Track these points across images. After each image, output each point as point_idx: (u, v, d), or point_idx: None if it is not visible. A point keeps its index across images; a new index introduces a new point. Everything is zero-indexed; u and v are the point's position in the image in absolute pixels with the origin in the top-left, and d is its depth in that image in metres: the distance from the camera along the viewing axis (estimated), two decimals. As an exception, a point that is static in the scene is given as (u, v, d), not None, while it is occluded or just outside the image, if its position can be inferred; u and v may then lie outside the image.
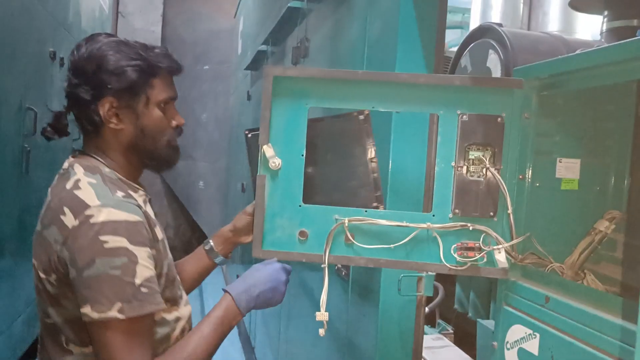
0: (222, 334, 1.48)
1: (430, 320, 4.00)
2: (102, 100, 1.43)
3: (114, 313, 1.26)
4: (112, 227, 1.29)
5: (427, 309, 2.07)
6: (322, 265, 1.60)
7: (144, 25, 9.01)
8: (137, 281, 1.30)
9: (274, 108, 1.63)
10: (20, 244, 3.93)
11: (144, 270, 1.31)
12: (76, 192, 1.35)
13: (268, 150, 1.62)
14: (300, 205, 1.64)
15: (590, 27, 5.59)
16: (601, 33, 3.45)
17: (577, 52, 1.62)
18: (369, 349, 2.07)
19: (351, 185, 1.70)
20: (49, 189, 1.46)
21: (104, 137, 1.47)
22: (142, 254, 1.32)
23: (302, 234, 1.64)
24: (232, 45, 8.36)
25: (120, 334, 1.29)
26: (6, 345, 3.72)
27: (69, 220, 1.31)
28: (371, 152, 1.69)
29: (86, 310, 1.27)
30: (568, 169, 1.64)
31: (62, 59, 4.68)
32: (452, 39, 6.64)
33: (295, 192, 1.64)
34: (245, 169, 5.68)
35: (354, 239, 1.60)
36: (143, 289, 1.30)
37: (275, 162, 1.62)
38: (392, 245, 1.60)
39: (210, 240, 1.81)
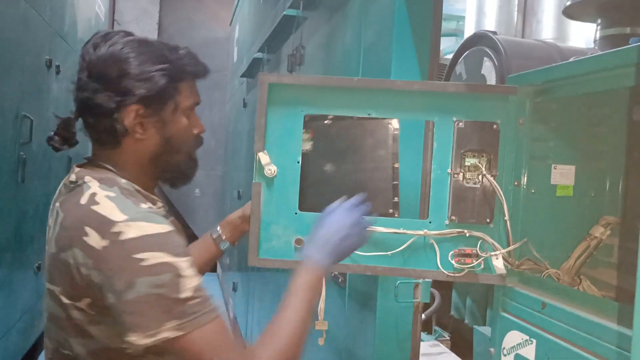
0: (312, 300, 1.34)
1: (427, 327, 4.00)
2: (127, 109, 1.29)
3: (166, 334, 1.14)
4: (146, 242, 1.16)
5: (423, 316, 2.07)
6: (319, 273, 1.59)
7: (139, 33, 8.96)
8: (187, 294, 1.16)
9: (269, 115, 1.63)
10: (16, 252, 3.92)
11: (190, 280, 1.17)
12: (95, 207, 1.20)
13: (264, 157, 1.62)
14: (296, 213, 1.64)
15: (583, 35, 5.63)
16: (595, 41, 3.47)
17: (571, 59, 1.63)
18: (366, 356, 2.06)
19: (368, 189, 1.64)
20: (57, 205, 1.30)
21: (122, 147, 1.33)
22: (184, 264, 1.18)
23: (298, 241, 1.64)
24: (228, 53, 8.37)
25: (192, 349, 1.16)
26: (1, 354, 3.70)
27: (95, 240, 1.16)
28: (395, 158, 1.67)
29: (134, 337, 1.14)
30: (563, 175, 1.64)
31: (58, 66, 4.69)
32: (447, 47, 6.67)
33: (291, 200, 1.64)
34: (242, 176, 5.67)
35: (350, 246, 1.59)
36: (194, 301, 1.17)
37: (271, 169, 1.62)
38: (389, 253, 1.60)
39: (218, 227, 1.74)
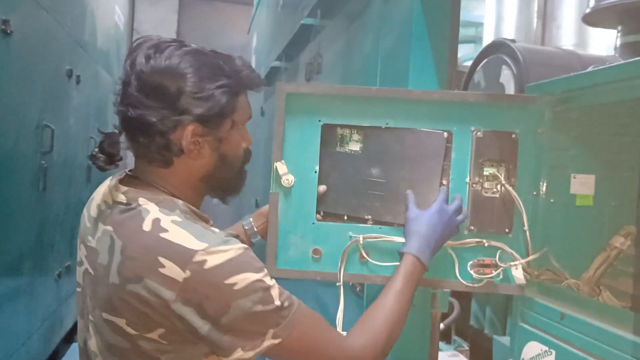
0: (413, 289, 1.43)
1: (446, 337, 3.97)
2: (184, 128, 1.20)
3: (268, 342, 1.16)
4: (232, 267, 1.13)
5: (442, 325, 2.06)
6: (337, 284, 1.59)
7: (158, 42, 9.11)
8: (277, 303, 1.16)
9: (287, 125, 1.63)
10: (36, 259, 3.96)
11: (275, 289, 1.17)
12: (165, 235, 1.14)
13: (281, 167, 1.62)
14: (313, 223, 1.64)
15: (604, 42, 5.58)
16: (615, 48, 3.45)
17: (590, 68, 1.62)
18: (384, 366, 2.05)
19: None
20: (109, 228, 1.20)
21: (174, 166, 1.25)
22: (266, 277, 1.17)
23: (315, 251, 1.63)
24: (246, 61, 8.41)
25: (298, 348, 1.20)
26: (23, 359, 3.74)
27: (174, 272, 1.11)
28: (443, 174, 1.61)
29: (240, 353, 1.15)
30: (583, 185, 1.63)
31: (78, 77, 4.75)
32: (466, 53, 6.66)
33: (308, 210, 1.63)
34: (259, 185, 5.69)
35: (368, 257, 1.59)
36: (284, 304, 1.17)
37: (289, 179, 1.62)
38: (406, 262, 1.59)
39: (251, 218, 1.72)
